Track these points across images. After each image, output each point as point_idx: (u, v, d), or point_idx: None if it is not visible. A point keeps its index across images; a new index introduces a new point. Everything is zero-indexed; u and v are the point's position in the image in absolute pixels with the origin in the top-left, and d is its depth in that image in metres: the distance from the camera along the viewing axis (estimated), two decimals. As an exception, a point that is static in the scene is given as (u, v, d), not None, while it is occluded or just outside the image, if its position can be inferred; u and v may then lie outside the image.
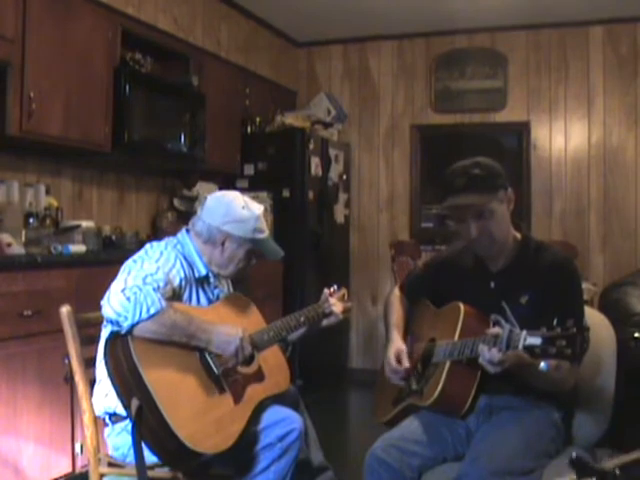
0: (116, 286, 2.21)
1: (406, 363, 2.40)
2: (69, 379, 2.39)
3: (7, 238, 3.35)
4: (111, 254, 3.98)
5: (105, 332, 2.30)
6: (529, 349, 1.92)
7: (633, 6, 5.44)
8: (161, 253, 2.38)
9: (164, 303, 2.19)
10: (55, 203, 4.00)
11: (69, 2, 3.86)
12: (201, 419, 2.20)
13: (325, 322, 2.72)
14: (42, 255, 3.45)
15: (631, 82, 5.84)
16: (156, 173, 5.14)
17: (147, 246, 2.43)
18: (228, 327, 2.34)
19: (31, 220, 3.75)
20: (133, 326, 2.15)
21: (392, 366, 2.41)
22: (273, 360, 2.56)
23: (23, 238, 3.59)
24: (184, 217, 4.85)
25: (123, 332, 2.17)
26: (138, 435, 2.14)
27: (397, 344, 2.46)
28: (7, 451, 3.09)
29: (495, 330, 2.03)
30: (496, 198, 2.24)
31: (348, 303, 2.83)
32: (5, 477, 3.07)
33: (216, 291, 2.57)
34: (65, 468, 3.34)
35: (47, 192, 3.98)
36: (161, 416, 2.10)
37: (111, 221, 4.63)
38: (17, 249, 3.37)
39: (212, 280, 2.55)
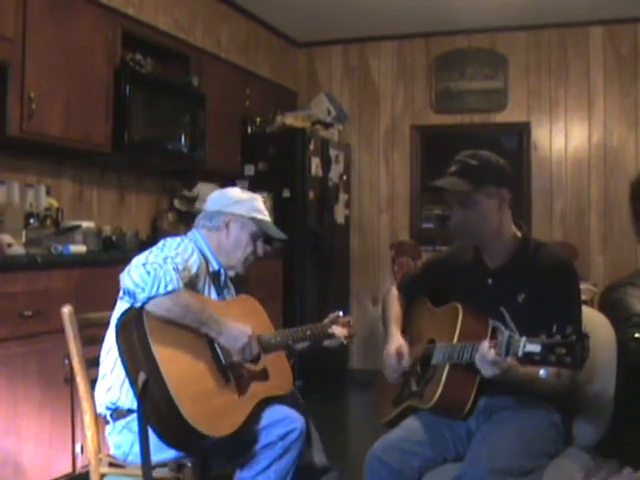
0: (138, 260, 2.24)
1: (406, 362, 2.41)
2: (69, 380, 2.40)
3: (8, 238, 3.35)
4: (111, 254, 3.98)
5: (119, 305, 2.34)
6: (528, 356, 1.91)
7: (633, 6, 5.45)
8: (179, 244, 2.42)
9: (181, 284, 2.22)
10: (55, 203, 4.00)
11: (69, 2, 3.86)
12: (205, 401, 2.21)
13: (327, 342, 2.78)
14: (42, 255, 3.44)
15: (631, 82, 5.84)
16: (156, 173, 5.14)
17: (162, 240, 2.46)
18: (239, 324, 2.36)
19: (31, 220, 3.75)
20: (149, 299, 2.17)
21: (392, 363, 2.42)
22: (278, 364, 2.57)
23: (23, 238, 3.59)
24: (184, 218, 4.85)
25: (138, 305, 2.19)
26: (143, 413, 2.15)
27: (398, 340, 2.47)
28: (7, 451, 3.08)
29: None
30: (483, 191, 2.24)
31: (353, 329, 2.86)
32: (5, 477, 3.07)
33: (225, 290, 2.62)
34: (65, 468, 3.34)
35: (47, 193, 3.98)
36: (166, 390, 2.11)
37: (111, 221, 4.62)
38: (17, 249, 3.37)
39: (223, 278, 2.60)
